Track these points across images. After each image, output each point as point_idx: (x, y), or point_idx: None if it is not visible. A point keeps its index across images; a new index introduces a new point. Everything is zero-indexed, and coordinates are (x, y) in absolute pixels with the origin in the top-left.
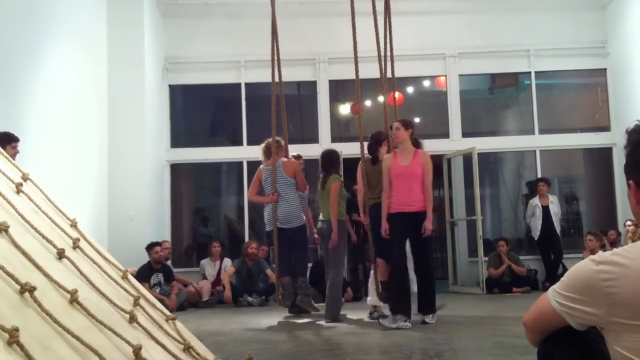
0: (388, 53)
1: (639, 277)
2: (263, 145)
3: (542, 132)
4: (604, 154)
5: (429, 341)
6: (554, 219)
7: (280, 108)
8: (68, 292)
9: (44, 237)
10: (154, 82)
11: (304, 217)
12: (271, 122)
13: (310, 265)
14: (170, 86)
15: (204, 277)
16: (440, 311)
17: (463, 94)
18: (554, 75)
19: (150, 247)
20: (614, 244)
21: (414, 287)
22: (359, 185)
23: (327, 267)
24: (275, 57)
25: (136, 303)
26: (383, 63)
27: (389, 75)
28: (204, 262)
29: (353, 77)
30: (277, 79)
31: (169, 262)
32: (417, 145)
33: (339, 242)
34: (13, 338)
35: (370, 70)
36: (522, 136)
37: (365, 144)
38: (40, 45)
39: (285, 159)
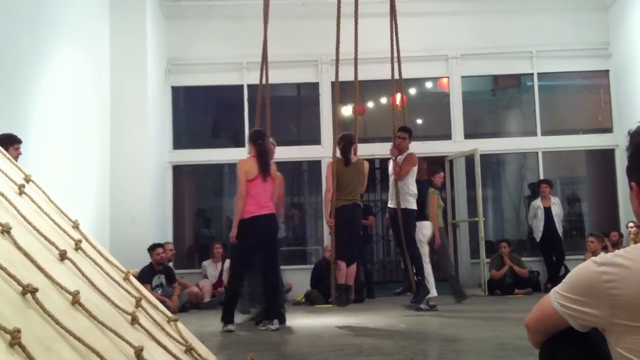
0: (395, 54)
1: None
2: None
3: (544, 133)
4: (607, 155)
5: (431, 343)
6: (556, 220)
7: (265, 111)
8: (70, 293)
9: (46, 238)
10: (156, 83)
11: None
12: (273, 124)
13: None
14: (173, 88)
15: (205, 278)
16: (442, 313)
17: (465, 95)
18: (557, 76)
19: (152, 249)
20: (616, 245)
21: None
22: (327, 186)
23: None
24: (264, 61)
25: (138, 304)
26: (382, 65)
27: (396, 76)
28: (205, 263)
29: (353, 79)
30: (264, 82)
31: (170, 264)
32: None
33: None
34: (15, 339)
35: (372, 72)
36: (524, 137)
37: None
38: (44, 48)
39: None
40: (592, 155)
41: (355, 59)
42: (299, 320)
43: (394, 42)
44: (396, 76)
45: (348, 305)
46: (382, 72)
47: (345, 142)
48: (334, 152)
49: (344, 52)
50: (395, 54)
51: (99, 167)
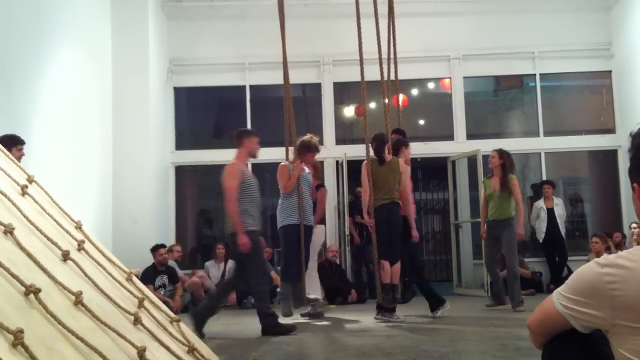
0: (392, 55)
1: None
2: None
3: (546, 134)
4: (609, 156)
5: (433, 343)
6: (558, 221)
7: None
8: (73, 293)
9: (48, 238)
10: (158, 84)
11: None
12: (275, 125)
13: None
14: (175, 88)
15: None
16: (444, 313)
17: (467, 96)
18: (559, 77)
19: (155, 249)
20: (619, 246)
21: None
22: (364, 186)
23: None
24: (285, 60)
25: (140, 305)
26: (385, 65)
27: (392, 77)
28: (208, 263)
29: (357, 79)
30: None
31: (175, 265)
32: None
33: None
34: (18, 339)
35: (374, 72)
36: (526, 138)
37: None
38: (45, 48)
39: (282, 163)
40: (594, 156)
41: (388, 56)
42: (302, 321)
43: (392, 43)
44: (392, 77)
45: (395, 304)
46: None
47: (378, 142)
48: (367, 152)
49: (346, 52)
50: (392, 55)
51: (101, 168)
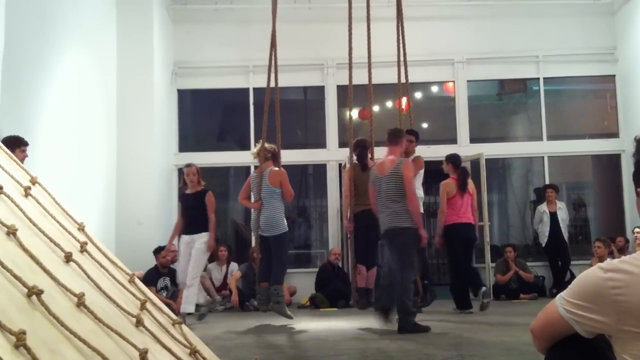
0: (401, 58)
1: None
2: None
3: (550, 138)
4: (613, 160)
5: (436, 347)
6: (561, 225)
7: (275, 115)
8: (75, 295)
9: (51, 240)
10: (162, 86)
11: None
12: (276, 127)
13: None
14: (179, 91)
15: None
16: (447, 317)
17: (471, 99)
18: (563, 81)
19: (157, 251)
20: (622, 250)
21: None
22: (345, 191)
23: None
24: (273, 64)
25: (143, 307)
26: (382, 69)
27: (401, 80)
28: (210, 266)
29: (361, 82)
30: (272, 85)
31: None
32: None
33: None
34: (20, 341)
35: (378, 76)
36: (530, 142)
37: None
38: (51, 51)
39: (275, 168)
40: (598, 160)
41: (369, 62)
42: (304, 324)
43: (401, 47)
44: (402, 80)
45: (368, 308)
46: (388, 76)
47: (361, 148)
48: (351, 158)
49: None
50: (401, 58)
51: (105, 170)
